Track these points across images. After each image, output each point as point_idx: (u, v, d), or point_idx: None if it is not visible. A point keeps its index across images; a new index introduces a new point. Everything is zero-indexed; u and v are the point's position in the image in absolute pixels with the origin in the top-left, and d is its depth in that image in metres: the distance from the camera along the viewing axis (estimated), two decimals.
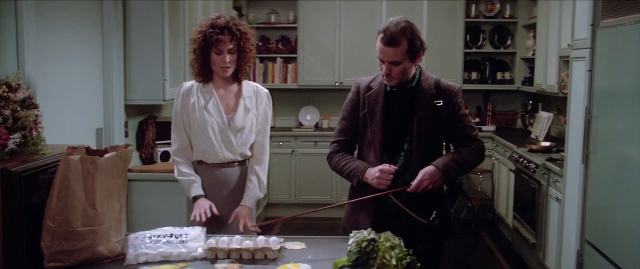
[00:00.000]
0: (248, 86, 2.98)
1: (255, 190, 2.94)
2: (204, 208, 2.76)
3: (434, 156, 2.70)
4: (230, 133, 2.86)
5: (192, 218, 2.73)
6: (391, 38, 2.55)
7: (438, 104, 2.68)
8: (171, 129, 2.96)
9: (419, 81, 2.72)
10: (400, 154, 2.70)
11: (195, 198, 2.83)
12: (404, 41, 2.56)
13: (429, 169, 2.58)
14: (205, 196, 2.85)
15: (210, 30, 2.76)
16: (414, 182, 2.57)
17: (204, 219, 2.70)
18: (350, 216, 2.81)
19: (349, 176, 2.73)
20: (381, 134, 2.69)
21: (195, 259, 2.26)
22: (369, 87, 2.76)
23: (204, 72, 2.86)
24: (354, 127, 2.79)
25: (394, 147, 2.71)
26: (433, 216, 2.59)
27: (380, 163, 2.66)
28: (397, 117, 2.70)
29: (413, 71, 2.72)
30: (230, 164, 2.92)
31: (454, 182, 2.78)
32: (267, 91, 3.03)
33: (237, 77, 2.92)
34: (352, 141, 2.83)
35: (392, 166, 2.62)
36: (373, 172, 2.62)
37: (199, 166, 2.95)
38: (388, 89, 2.73)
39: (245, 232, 2.75)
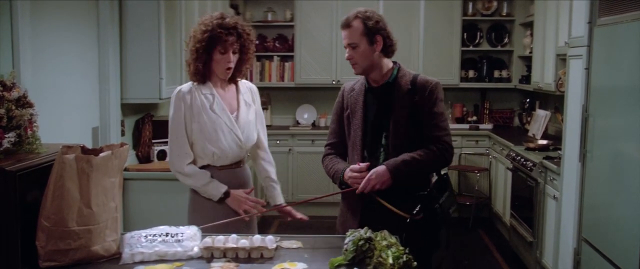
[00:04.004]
0: (242, 83, 2.99)
1: (278, 187, 3.12)
2: (249, 200, 2.88)
3: (412, 151, 2.70)
4: (239, 131, 2.86)
5: (244, 216, 2.85)
6: (345, 20, 2.71)
7: (414, 100, 2.70)
8: (170, 138, 2.85)
9: (396, 78, 2.75)
10: (380, 150, 2.74)
11: (227, 194, 2.84)
12: (356, 22, 2.68)
13: (379, 168, 2.62)
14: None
15: (219, 30, 2.71)
16: (362, 182, 2.61)
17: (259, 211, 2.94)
18: (340, 217, 2.89)
19: (334, 179, 2.81)
20: (362, 132, 2.75)
21: (191, 258, 2.25)
22: (352, 89, 2.85)
23: (203, 72, 2.81)
24: (342, 129, 2.86)
25: (374, 144, 2.75)
26: (417, 209, 2.60)
27: (362, 160, 2.73)
28: (376, 114, 2.75)
29: (381, 62, 2.75)
30: (238, 164, 2.92)
31: (441, 177, 2.78)
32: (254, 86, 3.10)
33: (232, 78, 2.91)
34: (343, 143, 2.88)
35: (363, 163, 2.66)
36: (347, 173, 2.69)
37: (206, 170, 2.87)
38: (366, 86, 2.79)
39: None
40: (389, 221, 2.51)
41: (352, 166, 2.68)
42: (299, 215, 3.01)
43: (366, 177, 2.60)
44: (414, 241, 2.38)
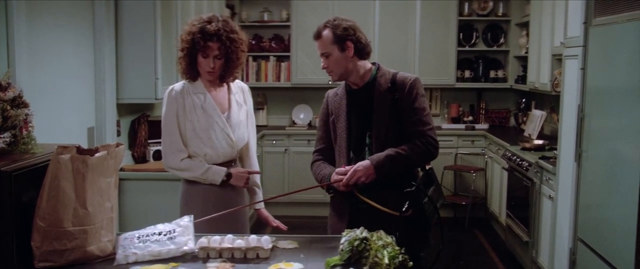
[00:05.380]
0: (234, 82, 3.01)
1: (260, 192, 3.12)
2: (249, 173, 2.95)
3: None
4: (230, 131, 2.87)
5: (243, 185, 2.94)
6: (316, 32, 2.77)
7: (395, 97, 2.73)
8: (163, 136, 2.88)
9: (376, 78, 2.79)
10: (365, 150, 2.78)
11: (229, 175, 2.88)
12: (326, 31, 2.73)
13: (364, 162, 2.66)
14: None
15: (198, 35, 2.74)
16: (347, 176, 2.64)
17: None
18: (328, 221, 2.92)
19: (322, 183, 2.83)
20: (346, 134, 2.80)
21: (185, 253, 2.24)
22: (335, 94, 2.90)
23: (191, 71, 2.86)
24: (328, 134, 2.91)
25: (359, 144, 2.79)
26: (405, 206, 2.60)
27: (347, 161, 2.77)
28: (358, 115, 2.79)
29: (357, 66, 2.78)
30: (229, 163, 2.93)
31: (426, 172, 2.80)
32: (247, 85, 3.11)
33: (222, 80, 2.91)
34: (330, 148, 2.91)
35: (348, 166, 2.69)
36: (333, 176, 2.73)
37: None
38: (348, 89, 2.84)
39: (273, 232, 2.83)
40: (376, 221, 2.51)
41: (337, 170, 2.73)
42: (275, 223, 3.04)
43: (352, 170, 2.64)
44: (405, 237, 2.38)
